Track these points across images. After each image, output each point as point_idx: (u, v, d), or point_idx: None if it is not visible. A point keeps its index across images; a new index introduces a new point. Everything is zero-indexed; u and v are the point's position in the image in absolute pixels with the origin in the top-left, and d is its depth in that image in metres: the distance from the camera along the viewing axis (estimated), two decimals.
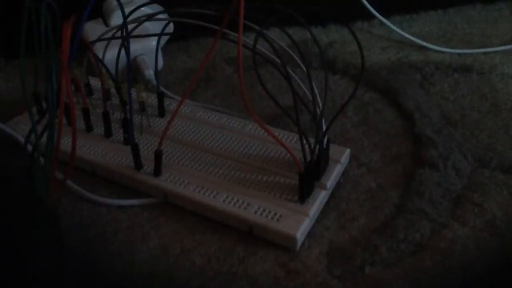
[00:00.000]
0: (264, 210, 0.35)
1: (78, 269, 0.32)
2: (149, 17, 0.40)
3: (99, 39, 0.42)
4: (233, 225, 0.36)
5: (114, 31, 0.42)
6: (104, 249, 0.35)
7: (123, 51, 0.38)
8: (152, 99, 0.47)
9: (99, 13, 0.56)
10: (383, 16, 0.61)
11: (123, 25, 0.36)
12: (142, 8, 0.44)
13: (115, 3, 0.54)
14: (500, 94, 0.50)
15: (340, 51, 0.58)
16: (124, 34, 0.37)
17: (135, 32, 0.39)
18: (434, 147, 0.43)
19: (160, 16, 0.49)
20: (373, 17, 0.62)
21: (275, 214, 0.35)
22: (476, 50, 0.57)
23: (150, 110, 0.45)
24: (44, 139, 0.30)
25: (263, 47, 0.36)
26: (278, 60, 0.34)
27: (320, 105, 0.37)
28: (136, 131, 0.42)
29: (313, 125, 0.45)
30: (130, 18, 0.38)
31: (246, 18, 0.32)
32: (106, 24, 0.55)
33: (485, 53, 0.57)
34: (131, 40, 0.38)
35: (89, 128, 0.44)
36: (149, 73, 0.51)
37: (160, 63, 0.55)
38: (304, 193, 0.36)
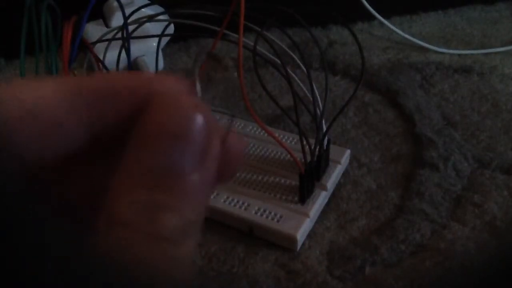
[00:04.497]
0: (264, 211, 0.35)
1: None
2: (150, 18, 0.40)
3: (100, 40, 0.42)
4: (233, 225, 0.36)
5: (114, 32, 0.42)
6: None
7: (123, 52, 0.38)
8: None
9: (100, 14, 0.56)
10: (383, 17, 0.61)
11: (124, 26, 0.37)
12: (143, 9, 0.44)
13: (115, 4, 0.54)
14: (500, 95, 0.50)
15: (340, 52, 0.58)
16: (125, 35, 0.37)
17: (136, 33, 0.39)
18: (434, 147, 0.43)
19: (161, 17, 0.49)
20: (373, 18, 0.62)
21: (275, 214, 0.35)
22: (476, 51, 0.57)
23: None
24: None
25: (263, 48, 0.36)
26: (278, 61, 0.34)
27: (321, 106, 0.37)
28: None
29: (314, 126, 0.45)
30: (131, 19, 0.38)
31: (246, 19, 0.32)
32: (107, 25, 0.55)
33: (485, 54, 0.57)
34: (131, 41, 0.38)
35: None
36: None
37: (161, 64, 0.55)
38: (304, 193, 0.36)
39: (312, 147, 0.35)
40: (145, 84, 0.14)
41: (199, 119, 0.13)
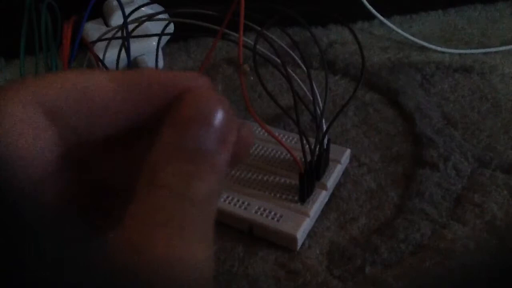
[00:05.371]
0: (264, 210, 0.35)
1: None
2: (150, 17, 0.40)
3: (100, 39, 0.42)
4: (233, 225, 0.36)
5: (114, 31, 0.42)
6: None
7: (123, 51, 0.38)
8: None
9: (100, 13, 0.56)
10: (383, 16, 0.61)
11: (124, 25, 0.36)
12: (143, 8, 0.44)
13: (115, 3, 0.54)
14: (501, 95, 0.50)
15: (340, 51, 0.58)
16: (125, 34, 0.37)
17: (136, 32, 0.39)
18: (434, 147, 0.43)
19: (161, 16, 0.49)
20: (373, 17, 0.62)
21: (275, 214, 0.35)
22: (477, 51, 0.57)
23: None
24: None
25: (263, 47, 0.36)
26: (278, 60, 0.34)
27: (321, 105, 0.37)
28: None
29: (314, 125, 0.45)
30: (131, 18, 0.38)
31: (247, 19, 0.32)
32: (107, 24, 0.55)
33: (485, 54, 0.57)
34: (131, 40, 0.38)
35: None
36: None
37: (161, 63, 0.55)
38: (304, 193, 0.36)
39: (312, 147, 0.35)
40: (181, 80, 0.17)
41: (222, 111, 0.16)
